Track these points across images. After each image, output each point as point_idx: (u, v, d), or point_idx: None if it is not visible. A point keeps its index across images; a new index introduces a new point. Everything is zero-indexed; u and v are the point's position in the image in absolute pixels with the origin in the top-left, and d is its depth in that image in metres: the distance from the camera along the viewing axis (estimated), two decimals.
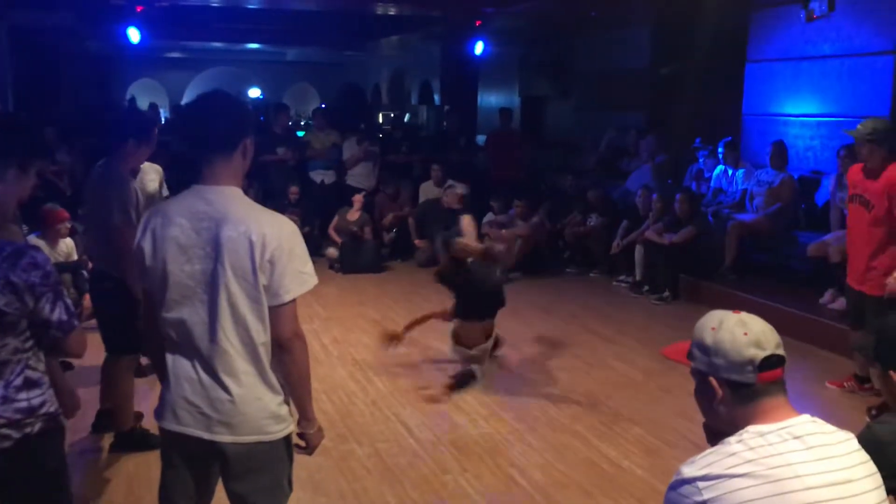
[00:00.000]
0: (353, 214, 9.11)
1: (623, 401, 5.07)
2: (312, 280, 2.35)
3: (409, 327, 5.58)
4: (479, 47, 10.68)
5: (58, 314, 2.04)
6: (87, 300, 6.02)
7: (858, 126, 4.80)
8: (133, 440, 4.19)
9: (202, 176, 2.33)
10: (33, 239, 5.94)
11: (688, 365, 1.79)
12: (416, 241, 9.29)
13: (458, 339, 5.40)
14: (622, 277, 8.31)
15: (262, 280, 2.25)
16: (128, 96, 19.91)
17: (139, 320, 3.91)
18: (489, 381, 5.47)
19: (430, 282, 8.30)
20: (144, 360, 4.46)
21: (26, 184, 2.73)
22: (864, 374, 5.17)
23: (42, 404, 2.08)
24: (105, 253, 4.04)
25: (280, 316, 2.30)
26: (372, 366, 5.71)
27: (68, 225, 6.04)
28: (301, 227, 9.23)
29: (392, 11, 11.45)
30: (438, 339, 6.33)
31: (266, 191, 9.79)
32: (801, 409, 1.72)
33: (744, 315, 1.73)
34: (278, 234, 2.28)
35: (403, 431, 4.58)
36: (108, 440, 4.27)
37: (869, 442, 1.86)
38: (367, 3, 10.40)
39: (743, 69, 8.95)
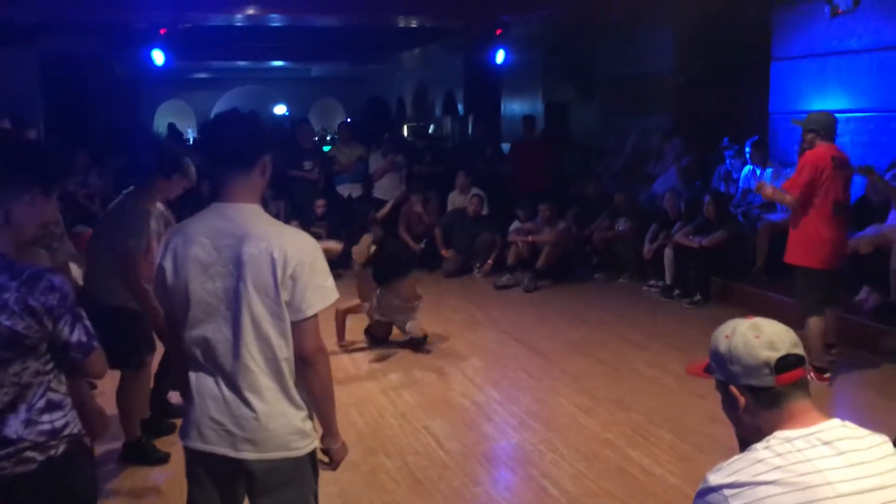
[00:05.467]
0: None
1: (655, 407, 5.01)
2: (334, 294, 2.35)
3: (341, 335, 6.34)
4: (500, 56, 10.67)
5: (77, 336, 2.06)
6: None
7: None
8: (137, 452, 4.24)
9: (222, 193, 2.34)
10: None
11: (711, 379, 1.77)
12: (443, 251, 9.28)
13: (388, 306, 6.29)
14: (652, 282, 8.23)
15: (284, 296, 2.25)
16: (164, 122, 20.13)
17: (132, 336, 4.07)
18: (518, 391, 5.44)
19: (458, 291, 8.37)
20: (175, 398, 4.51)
21: (49, 207, 2.77)
22: (820, 364, 5.27)
23: (65, 426, 2.10)
24: (102, 278, 4.09)
25: (303, 331, 2.30)
26: (401, 379, 5.70)
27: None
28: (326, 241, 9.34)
29: (413, 24, 11.50)
30: (470, 350, 6.32)
31: (293, 205, 9.89)
32: (838, 412, 1.69)
33: (757, 319, 1.70)
34: (299, 249, 2.28)
35: (433, 443, 4.56)
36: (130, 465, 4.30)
37: None
38: (388, 16, 10.45)
39: (768, 67, 8.83)
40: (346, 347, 6.33)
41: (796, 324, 6.01)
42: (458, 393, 5.40)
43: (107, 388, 4.26)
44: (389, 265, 6.49)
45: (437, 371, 5.84)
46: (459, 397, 5.32)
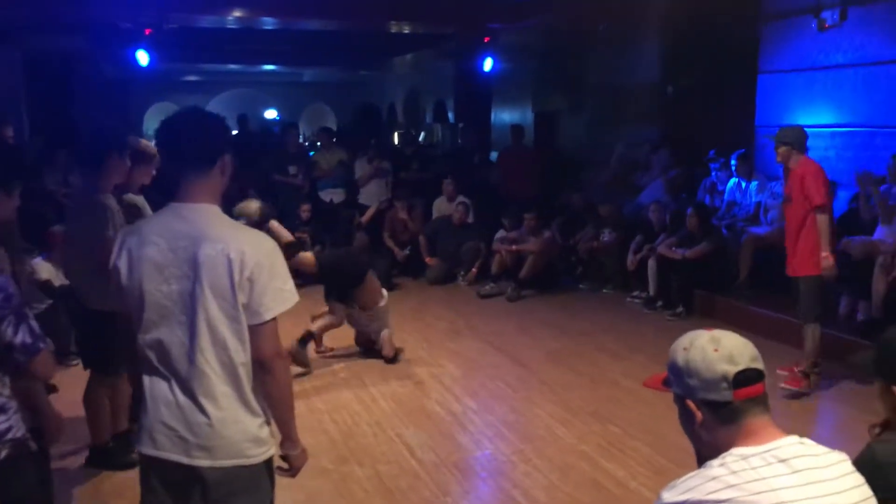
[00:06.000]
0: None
1: (632, 419, 4.96)
2: (293, 298, 2.29)
3: (318, 342, 6.13)
4: (488, 63, 10.65)
5: (21, 337, 2.00)
6: None
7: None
8: (106, 456, 4.16)
9: (179, 193, 2.28)
10: (39, 262, 5.97)
11: (668, 392, 1.72)
12: (427, 259, 9.23)
13: (353, 318, 6.15)
14: (636, 293, 8.19)
15: (242, 299, 2.20)
16: (153, 125, 19.78)
17: (116, 341, 3.92)
18: (495, 401, 5.39)
19: (441, 299, 8.31)
20: None
21: (9, 205, 2.72)
22: (810, 371, 5.26)
23: (8, 430, 2.03)
24: (85, 280, 3.99)
25: (261, 335, 2.24)
26: (378, 386, 5.64)
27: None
28: (312, 246, 9.28)
29: (406, 29, 11.48)
30: (450, 359, 6.26)
31: (278, 210, 9.81)
32: (818, 429, 1.64)
33: (716, 332, 1.65)
34: (257, 251, 2.23)
35: (406, 453, 4.50)
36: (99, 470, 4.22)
37: (866, 463, 1.77)
38: (379, 20, 10.42)
39: (755, 80, 8.83)
40: (324, 354, 6.26)
41: (785, 336, 6.05)
42: (434, 402, 5.34)
43: (68, 392, 4.19)
44: (335, 280, 6.07)
45: (414, 379, 5.78)
46: (435, 406, 5.26)
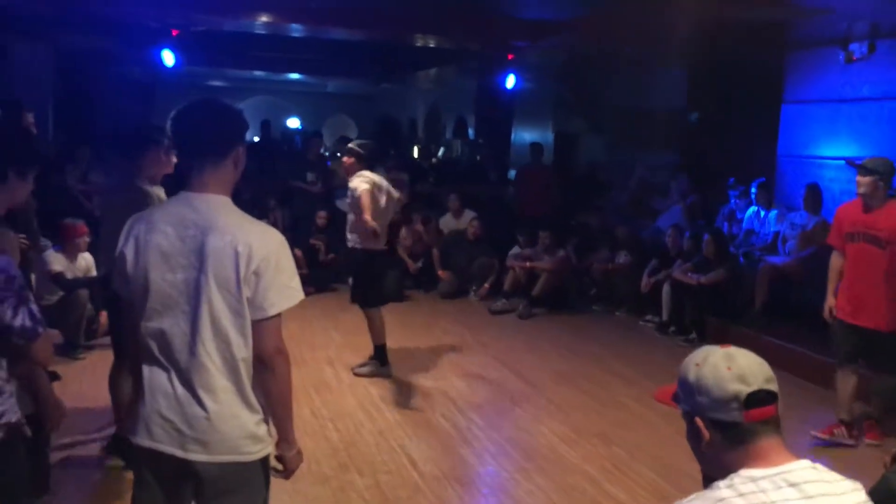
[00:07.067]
0: None
1: (638, 443, 4.87)
2: (299, 295, 2.25)
3: None
4: (510, 80, 10.64)
5: (20, 320, 1.97)
6: (103, 317, 6.03)
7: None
8: (122, 446, 4.13)
9: (191, 183, 2.26)
10: (52, 253, 5.98)
11: (677, 413, 1.66)
12: (440, 273, 9.19)
13: None
14: (649, 317, 8.11)
15: (246, 292, 2.16)
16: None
17: None
18: (501, 417, 5.32)
19: (452, 313, 8.26)
20: None
21: (24, 189, 2.71)
22: (849, 419, 4.94)
23: (2, 414, 2.00)
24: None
25: (263, 330, 2.21)
26: (383, 395, 5.58)
27: (87, 239, 6.05)
28: (326, 254, 9.27)
29: (431, 43, 11.49)
30: (457, 373, 6.21)
31: (294, 216, 9.82)
32: (835, 466, 1.56)
33: (731, 349, 1.60)
34: (265, 245, 2.20)
35: (408, 464, 4.44)
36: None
37: (881, 493, 1.70)
38: (406, 33, 10.44)
39: (779, 110, 8.77)
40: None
41: (797, 368, 5.91)
42: (439, 415, 5.28)
43: (74, 384, 4.17)
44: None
45: (420, 391, 5.73)
46: (440, 419, 5.20)
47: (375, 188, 5.66)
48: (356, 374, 5.92)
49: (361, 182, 5.58)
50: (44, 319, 2.04)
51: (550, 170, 11.07)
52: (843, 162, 7.90)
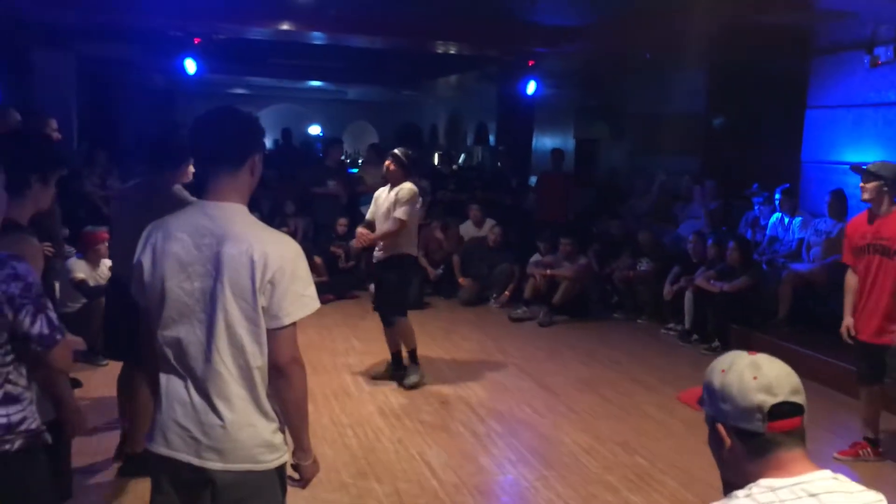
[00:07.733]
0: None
1: (660, 452, 4.82)
2: (314, 304, 2.25)
3: None
4: (531, 87, 10.63)
5: (39, 327, 1.98)
6: None
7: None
8: (145, 463, 4.13)
9: (207, 191, 2.26)
10: (75, 260, 6.04)
11: (699, 410, 1.63)
12: (460, 280, 9.18)
13: None
14: (671, 325, 8.03)
15: (262, 301, 2.16)
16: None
17: None
18: (521, 425, 5.29)
19: (472, 320, 8.24)
20: None
21: (47, 195, 2.74)
22: (874, 436, 4.80)
23: (22, 421, 2.01)
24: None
25: (278, 339, 2.20)
26: (402, 403, 5.57)
27: (107, 245, 6.09)
28: (346, 261, 9.29)
29: (452, 50, 11.50)
30: (477, 381, 6.18)
31: (315, 224, 9.85)
32: (857, 477, 1.52)
33: (759, 357, 1.56)
34: (281, 254, 2.19)
35: (427, 472, 4.42)
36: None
37: None
38: (427, 40, 10.46)
39: (803, 115, 8.67)
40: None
41: (822, 377, 5.81)
42: (458, 422, 5.26)
43: (96, 392, 4.20)
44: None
45: (439, 398, 5.71)
46: (460, 427, 5.18)
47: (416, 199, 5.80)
48: (407, 387, 5.83)
49: (415, 195, 5.72)
50: (63, 326, 2.05)
51: (569, 176, 11.02)
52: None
